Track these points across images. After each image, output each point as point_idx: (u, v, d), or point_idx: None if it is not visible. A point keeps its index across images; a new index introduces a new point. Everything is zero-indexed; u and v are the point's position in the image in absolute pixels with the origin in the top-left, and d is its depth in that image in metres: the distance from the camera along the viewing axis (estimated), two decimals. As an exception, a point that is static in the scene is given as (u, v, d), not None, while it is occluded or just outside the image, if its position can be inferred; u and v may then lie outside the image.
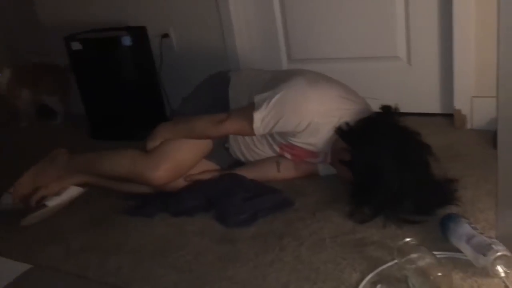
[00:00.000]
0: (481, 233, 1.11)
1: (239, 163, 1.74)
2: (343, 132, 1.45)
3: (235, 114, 1.59)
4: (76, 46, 2.30)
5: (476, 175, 1.50)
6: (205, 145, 1.66)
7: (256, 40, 2.28)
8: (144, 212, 1.57)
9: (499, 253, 1.02)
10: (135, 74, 2.32)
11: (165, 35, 2.40)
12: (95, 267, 1.33)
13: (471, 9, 1.72)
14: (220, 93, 1.70)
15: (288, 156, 1.64)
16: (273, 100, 1.48)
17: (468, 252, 1.10)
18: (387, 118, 1.43)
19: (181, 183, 1.64)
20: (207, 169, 1.69)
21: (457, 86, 1.84)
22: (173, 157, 1.60)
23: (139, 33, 2.32)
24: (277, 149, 1.64)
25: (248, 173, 1.67)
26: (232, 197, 1.53)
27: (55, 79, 2.73)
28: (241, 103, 1.63)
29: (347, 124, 1.46)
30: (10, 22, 3.58)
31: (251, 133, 1.54)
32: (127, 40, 2.24)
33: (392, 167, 1.29)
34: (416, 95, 1.99)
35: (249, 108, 1.52)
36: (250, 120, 1.50)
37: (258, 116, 1.49)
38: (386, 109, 1.46)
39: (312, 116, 1.47)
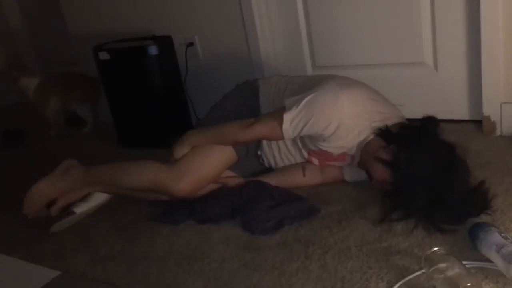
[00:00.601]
0: (512, 243, 1.09)
1: (264, 171, 1.74)
2: (385, 132, 1.44)
3: (264, 117, 1.61)
4: (103, 56, 2.35)
5: (506, 182, 1.46)
6: (229, 157, 1.66)
7: (281, 47, 2.29)
8: (170, 219, 1.58)
9: (531, 264, 1.00)
10: (161, 82, 2.35)
11: (190, 44, 2.43)
12: (122, 274, 1.35)
13: (499, 14, 1.68)
14: (250, 102, 1.71)
15: (315, 161, 1.63)
16: (303, 101, 1.48)
17: (498, 262, 1.07)
18: (431, 126, 1.40)
19: (204, 190, 1.65)
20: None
21: (485, 92, 1.80)
22: (197, 170, 1.61)
23: (165, 42, 2.35)
24: (305, 154, 1.64)
25: (273, 180, 1.67)
26: (257, 204, 1.54)
27: (86, 89, 2.80)
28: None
29: (386, 126, 1.45)
30: (41, 32, 3.70)
31: (280, 136, 1.53)
32: (153, 50, 2.28)
33: (435, 172, 1.28)
34: (443, 101, 1.96)
35: (279, 111, 1.53)
36: (280, 122, 1.50)
37: (288, 117, 1.49)
38: (430, 118, 1.43)
39: (342, 117, 1.45)
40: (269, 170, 1.75)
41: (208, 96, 2.44)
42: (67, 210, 1.68)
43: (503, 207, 1.34)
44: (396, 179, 1.35)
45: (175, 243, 1.46)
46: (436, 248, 1.12)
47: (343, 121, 1.46)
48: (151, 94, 2.36)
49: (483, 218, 1.30)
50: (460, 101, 1.94)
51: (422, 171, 1.30)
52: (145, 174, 1.64)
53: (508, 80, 1.75)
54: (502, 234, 1.13)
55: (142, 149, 2.37)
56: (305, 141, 1.60)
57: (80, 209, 1.68)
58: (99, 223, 1.66)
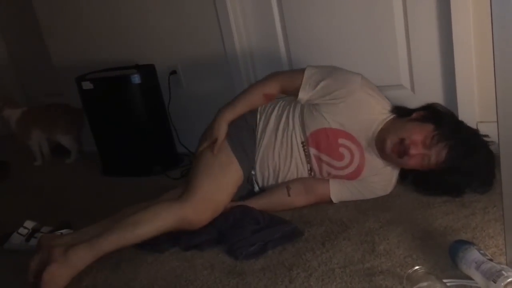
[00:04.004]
0: (491, 259, 1.10)
1: (251, 194, 1.75)
2: (403, 109, 1.65)
3: (285, 71, 1.80)
4: (87, 85, 2.37)
5: (484, 200, 1.49)
6: (238, 179, 1.65)
7: (262, 73, 2.32)
8: (155, 247, 1.57)
9: (509, 279, 1.01)
10: (145, 111, 2.37)
11: (173, 72, 2.46)
12: (105, 304, 1.33)
13: (471, 37, 1.75)
14: (248, 121, 1.73)
15: (313, 152, 1.65)
16: (325, 67, 1.67)
17: (478, 279, 1.09)
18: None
19: None
20: None
21: (462, 112, 1.84)
22: (212, 196, 1.58)
23: (148, 70, 2.38)
24: (301, 149, 1.66)
25: (259, 202, 1.68)
26: (241, 229, 1.54)
27: (70, 119, 2.80)
28: (269, 123, 1.70)
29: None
30: (24, 64, 3.71)
31: (297, 87, 1.64)
32: (136, 78, 2.30)
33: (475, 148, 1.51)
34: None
35: (301, 69, 1.69)
36: (302, 73, 1.65)
37: (309, 71, 1.65)
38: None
39: (357, 88, 1.60)
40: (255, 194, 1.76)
41: (192, 123, 2.47)
42: None
43: (482, 224, 1.37)
44: (441, 129, 1.50)
45: (159, 271, 1.45)
46: (417, 267, 1.13)
47: (357, 93, 1.59)
48: (134, 123, 2.37)
49: (462, 236, 1.32)
50: (438, 121, 1.98)
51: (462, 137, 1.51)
52: (163, 219, 1.52)
53: (483, 100, 1.80)
54: (481, 251, 1.14)
55: (126, 177, 2.37)
56: (313, 115, 1.64)
57: None
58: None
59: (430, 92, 1.96)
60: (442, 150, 1.48)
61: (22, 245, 1.74)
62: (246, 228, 1.54)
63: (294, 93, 1.68)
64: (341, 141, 1.62)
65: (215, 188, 1.60)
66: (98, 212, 1.79)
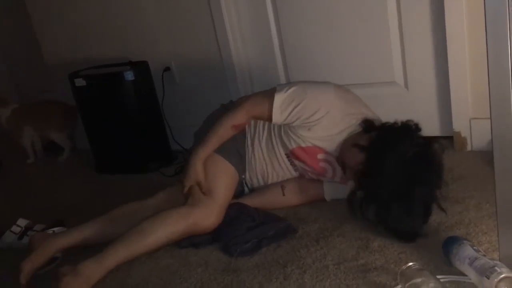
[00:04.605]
0: (484, 255, 1.11)
1: (240, 195, 1.75)
2: (366, 122, 1.52)
3: (256, 95, 1.67)
4: (80, 82, 2.35)
5: (477, 196, 1.50)
6: (235, 177, 1.65)
7: (256, 71, 2.32)
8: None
9: (502, 275, 1.02)
10: (138, 107, 2.36)
11: (167, 69, 2.45)
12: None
13: (464, 33, 1.75)
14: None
15: (297, 163, 1.64)
16: (296, 86, 1.57)
17: (471, 275, 1.09)
18: (413, 126, 1.45)
19: None
20: None
21: (455, 109, 1.86)
22: (217, 198, 1.57)
23: (141, 67, 2.37)
24: (286, 160, 1.65)
25: (253, 201, 1.68)
26: (236, 226, 1.54)
27: (63, 116, 2.78)
28: (256, 135, 1.68)
29: (368, 119, 1.53)
30: (17, 61, 3.68)
31: (269, 115, 1.57)
32: (129, 75, 2.29)
33: (406, 169, 1.30)
34: (415, 118, 1.98)
35: (271, 90, 1.59)
36: (271, 102, 1.56)
37: (279, 97, 1.56)
38: (411, 121, 1.48)
39: (331, 106, 1.53)
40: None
41: (185, 119, 2.47)
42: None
43: (475, 220, 1.37)
44: (367, 162, 1.38)
45: (153, 269, 1.44)
46: (411, 263, 1.14)
47: (332, 112, 1.53)
48: (128, 120, 2.36)
49: (456, 232, 1.33)
50: (431, 118, 1.99)
51: (394, 163, 1.31)
52: (172, 227, 1.49)
53: (476, 97, 1.80)
54: (474, 248, 1.15)
55: (120, 175, 2.36)
56: (289, 134, 1.61)
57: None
58: (76, 250, 1.63)
59: (423, 88, 1.97)
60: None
61: (15, 243, 1.73)
62: (241, 225, 1.54)
63: (266, 119, 1.63)
64: (320, 156, 1.61)
65: (215, 186, 1.58)
66: (91, 209, 1.79)
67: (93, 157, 2.53)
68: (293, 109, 1.54)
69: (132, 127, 2.37)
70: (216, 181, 1.59)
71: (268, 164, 1.69)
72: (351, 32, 2.03)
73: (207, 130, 1.72)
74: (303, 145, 1.59)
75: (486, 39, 0.94)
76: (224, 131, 1.63)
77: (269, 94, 1.59)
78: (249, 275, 1.32)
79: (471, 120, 1.84)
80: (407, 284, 1.09)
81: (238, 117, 1.63)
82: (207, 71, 2.38)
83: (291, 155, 1.65)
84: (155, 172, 2.29)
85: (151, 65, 2.40)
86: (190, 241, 1.53)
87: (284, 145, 1.64)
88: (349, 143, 1.51)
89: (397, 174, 1.30)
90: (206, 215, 1.52)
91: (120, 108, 2.34)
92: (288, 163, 1.67)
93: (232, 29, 2.25)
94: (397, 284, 1.13)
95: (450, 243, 1.20)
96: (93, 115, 2.43)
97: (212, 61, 2.34)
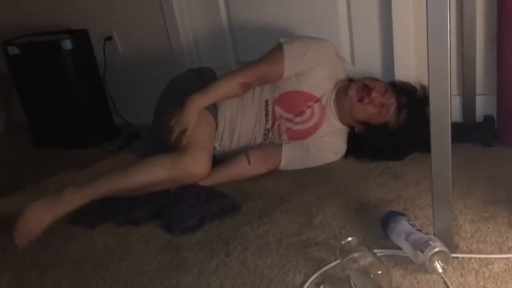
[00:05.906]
0: (419, 230, 1.14)
1: None
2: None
3: (260, 57, 1.68)
4: (13, 50, 2.20)
5: (416, 172, 1.54)
6: (213, 124, 1.68)
7: (203, 41, 2.25)
8: (86, 223, 1.51)
9: (436, 249, 1.05)
10: (78, 78, 2.23)
11: (109, 38, 2.34)
12: (32, 282, 1.27)
13: (409, 7, 1.78)
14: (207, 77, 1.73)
15: (277, 110, 1.69)
16: (299, 40, 1.68)
17: (407, 249, 1.12)
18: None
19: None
20: None
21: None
22: (204, 145, 1.57)
23: (81, 36, 2.24)
24: (263, 106, 1.70)
25: (219, 173, 1.64)
26: (179, 203, 1.50)
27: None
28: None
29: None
30: None
31: (281, 69, 1.64)
32: (67, 44, 2.16)
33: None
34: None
35: (276, 47, 1.67)
36: (279, 53, 1.64)
37: (288, 50, 1.64)
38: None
39: (333, 54, 1.70)
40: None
41: (129, 91, 2.38)
42: None
43: (414, 195, 1.41)
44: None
45: (90, 247, 1.39)
46: (350, 239, 1.15)
47: (333, 61, 1.70)
48: (66, 91, 2.24)
49: (395, 207, 1.36)
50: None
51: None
52: (159, 171, 1.51)
53: (419, 69, 1.82)
54: (410, 222, 1.18)
55: (59, 149, 2.26)
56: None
57: None
58: (9, 229, 1.54)
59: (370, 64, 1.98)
60: (401, 109, 1.63)
61: None
62: (183, 202, 1.51)
63: (275, 79, 1.66)
64: (308, 103, 1.69)
65: (201, 135, 1.59)
66: (22, 184, 1.68)
67: (29, 131, 2.40)
68: (301, 58, 1.63)
69: (70, 99, 2.25)
70: (202, 132, 1.60)
71: (239, 108, 1.68)
72: (300, 10, 1.99)
73: (175, 92, 1.71)
74: (298, 88, 1.66)
75: (427, 10, 0.95)
76: (232, 86, 1.63)
77: (276, 52, 1.65)
78: (190, 252, 1.30)
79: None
80: (345, 259, 1.10)
81: (248, 75, 1.64)
82: (151, 40, 2.29)
83: (276, 101, 1.68)
84: (97, 147, 2.20)
85: (92, 34, 2.28)
86: (129, 217, 1.48)
87: (272, 90, 1.68)
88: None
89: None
90: (198, 162, 1.52)
91: (58, 78, 2.22)
92: (263, 110, 1.70)
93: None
94: (337, 259, 1.15)
95: (387, 218, 1.22)
96: (28, 86, 2.29)
97: (156, 31, 2.25)
